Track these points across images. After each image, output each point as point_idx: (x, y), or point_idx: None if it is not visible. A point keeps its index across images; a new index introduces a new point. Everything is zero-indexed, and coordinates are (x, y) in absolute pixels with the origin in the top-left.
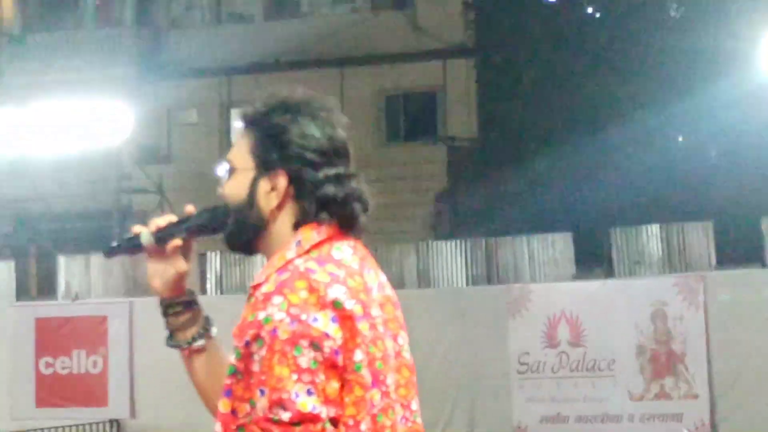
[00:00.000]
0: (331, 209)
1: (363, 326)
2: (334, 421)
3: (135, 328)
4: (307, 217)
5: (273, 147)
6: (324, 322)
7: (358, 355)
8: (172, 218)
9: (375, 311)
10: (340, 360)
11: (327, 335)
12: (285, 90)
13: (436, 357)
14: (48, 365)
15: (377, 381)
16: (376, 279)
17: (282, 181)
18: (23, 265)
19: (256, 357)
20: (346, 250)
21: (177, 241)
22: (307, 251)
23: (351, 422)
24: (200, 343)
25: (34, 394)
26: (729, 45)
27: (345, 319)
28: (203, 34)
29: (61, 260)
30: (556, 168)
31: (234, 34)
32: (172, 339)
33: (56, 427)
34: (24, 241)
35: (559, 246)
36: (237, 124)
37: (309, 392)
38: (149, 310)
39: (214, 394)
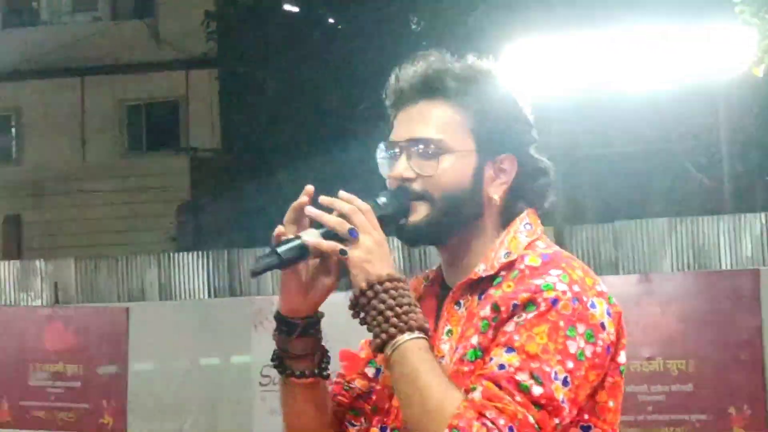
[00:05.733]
0: (544, 197)
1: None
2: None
3: None
4: (516, 207)
5: (504, 126)
6: (601, 311)
7: (623, 357)
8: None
9: None
10: (608, 359)
11: (603, 326)
12: (469, 57)
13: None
14: None
15: None
16: None
17: (511, 167)
18: None
19: (516, 319)
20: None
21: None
22: (539, 237)
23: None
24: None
25: None
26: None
27: (616, 314)
28: None
29: None
30: (299, 180)
31: None
32: (284, 365)
33: None
34: None
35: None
36: (409, 89)
37: (565, 382)
38: None
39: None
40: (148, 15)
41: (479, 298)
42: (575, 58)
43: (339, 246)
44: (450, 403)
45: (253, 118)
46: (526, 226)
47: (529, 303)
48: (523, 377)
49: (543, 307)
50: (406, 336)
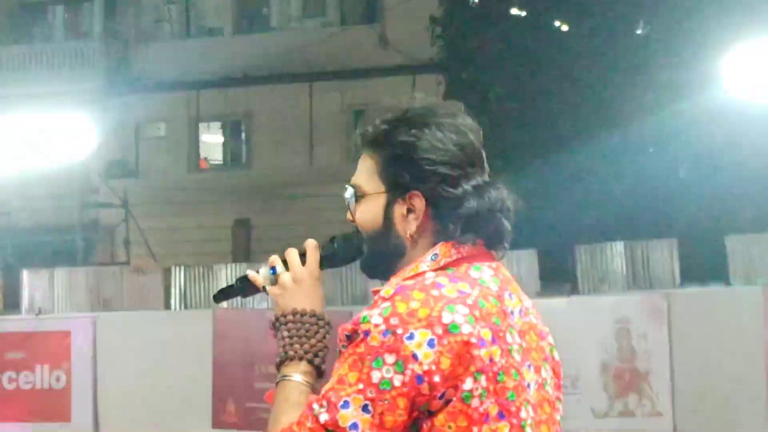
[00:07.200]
0: (477, 225)
1: (486, 353)
2: None
3: (99, 343)
4: (449, 238)
5: (403, 167)
6: (418, 342)
7: (468, 384)
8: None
9: (511, 338)
10: (426, 387)
11: (414, 357)
12: (404, 102)
13: None
14: (11, 380)
15: (507, 412)
16: (519, 304)
17: (419, 203)
18: None
19: (343, 349)
20: (485, 271)
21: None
22: (443, 267)
23: None
24: None
25: None
26: (694, 62)
27: (456, 344)
28: (172, 47)
29: (25, 275)
30: (521, 185)
31: (203, 48)
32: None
33: None
34: None
35: (524, 263)
36: (356, 145)
37: (365, 408)
38: (113, 324)
39: None
40: (376, 20)
41: None
42: None
43: (262, 284)
44: (282, 424)
45: (476, 123)
46: (432, 258)
47: (352, 333)
48: (317, 404)
49: (358, 338)
50: (291, 366)
